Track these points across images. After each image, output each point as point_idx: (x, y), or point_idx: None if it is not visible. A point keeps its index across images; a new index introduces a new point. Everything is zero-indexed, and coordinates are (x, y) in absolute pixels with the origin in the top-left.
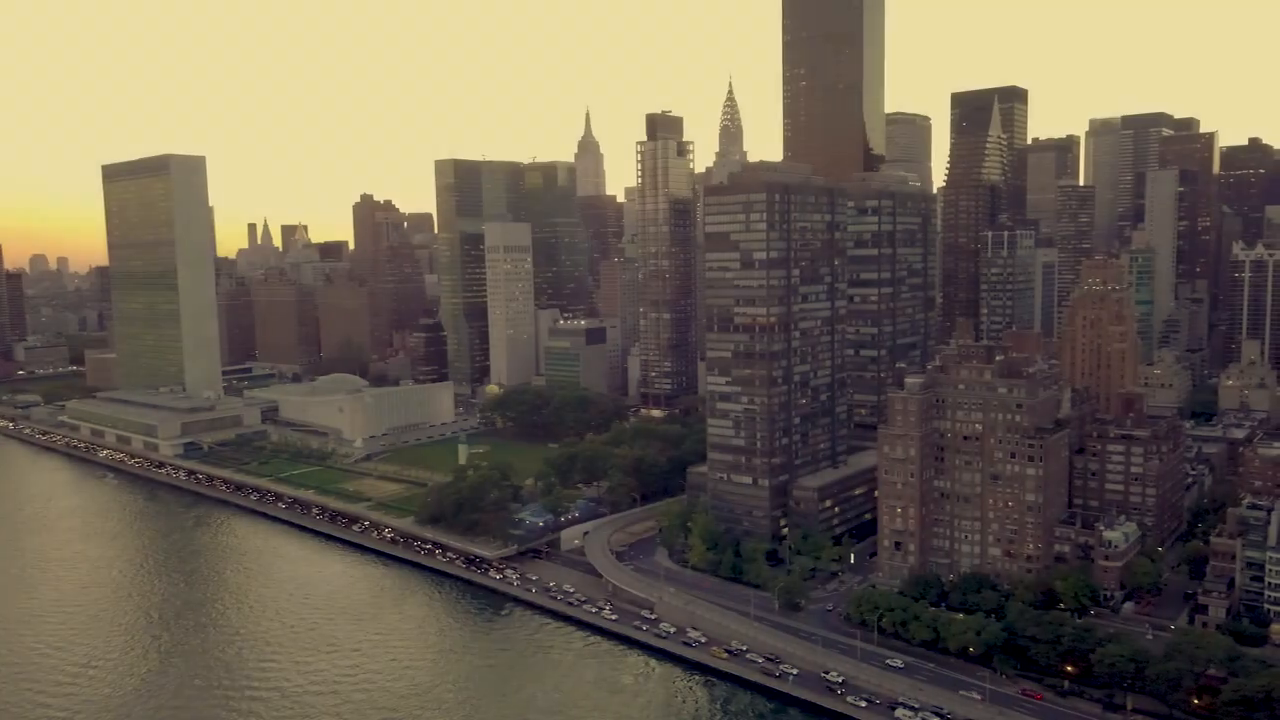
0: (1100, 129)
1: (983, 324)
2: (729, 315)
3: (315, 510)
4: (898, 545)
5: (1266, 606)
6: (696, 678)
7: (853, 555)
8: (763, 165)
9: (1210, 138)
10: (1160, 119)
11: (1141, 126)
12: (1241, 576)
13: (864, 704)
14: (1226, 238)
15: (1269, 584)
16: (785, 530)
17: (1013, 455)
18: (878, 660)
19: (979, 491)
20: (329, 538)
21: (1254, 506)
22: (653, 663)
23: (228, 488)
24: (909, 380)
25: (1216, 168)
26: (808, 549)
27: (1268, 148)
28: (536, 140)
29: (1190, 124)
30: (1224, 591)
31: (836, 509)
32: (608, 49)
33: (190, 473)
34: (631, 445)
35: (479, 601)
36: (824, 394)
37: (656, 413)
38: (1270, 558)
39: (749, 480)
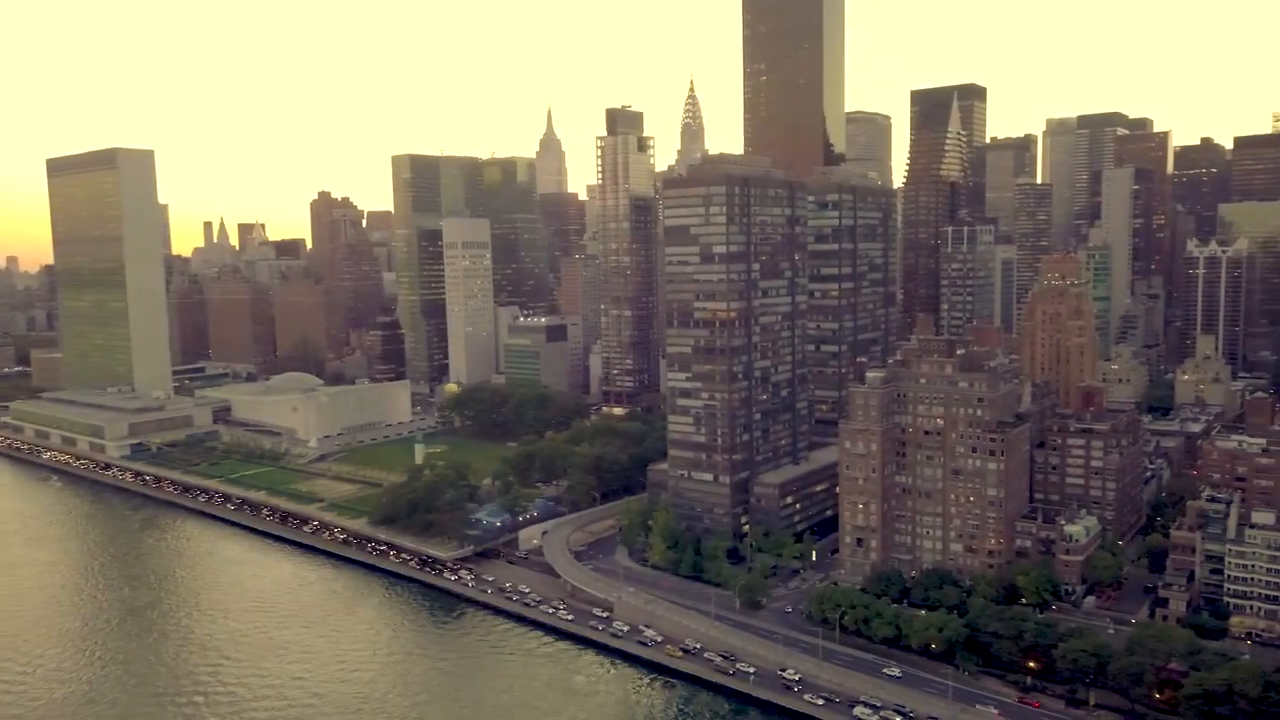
0: (1057, 128)
1: (943, 320)
2: (689, 310)
3: (265, 511)
4: (859, 542)
5: (1226, 599)
6: (656, 678)
7: (814, 552)
8: (722, 158)
9: (1164, 137)
10: (1115, 119)
11: (1097, 126)
12: (1201, 569)
13: (821, 702)
14: (1180, 235)
15: (1228, 576)
16: (746, 527)
17: (974, 450)
18: (841, 659)
19: (940, 487)
20: (280, 539)
21: (1213, 499)
22: (610, 663)
23: (176, 489)
24: (870, 375)
25: (1170, 167)
26: (769, 546)
27: (1219, 147)
28: (498, 138)
29: (1144, 124)
30: (1184, 585)
31: (798, 506)
32: (569, 46)
33: (137, 474)
34: (592, 443)
35: (433, 603)
36: (785, 390)
37: (618, 411)
38: (1230, 550)
39: (710, 477)
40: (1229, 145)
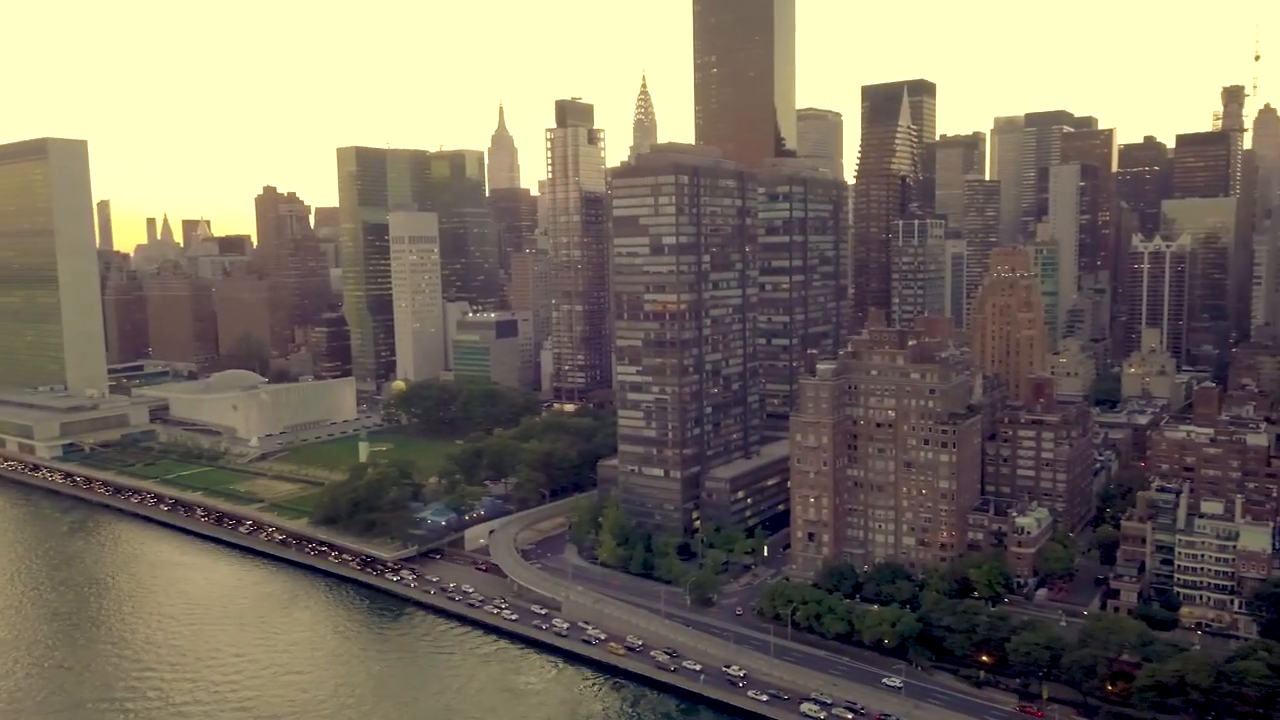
0: (1005, 126)
1: (894, 314)
2: (639, 302)
3: (200, 512)
4: (811, 536)
5: (1176, 589)
6: (603, 679)
7: (766, 547)
8: (672, 147)
9: (1109, 135)
10: (1061, 116)
11: (1044, 124)
12: (1151, 560)
13: (765, 698)
14: (1125, 232)
15: (1178, 567)
16: (698, 523)
17: (926, 442)
18: (793, 656)
19: (892, 479)
20: (216, 541)
21: (1163, 490)
22: (555, 664)
23: (108, 491)
24: (821, 366)
25: (1115, 165)
26: (720, 542)
27: (1161, 145)
28: (448, 132)
29: (1090, 122)
30: (1135, 575)
31: (749, 500)
32: (521, 40)
33: (68, 475)
34: (541, 440)
35: (374, 605)
36: (736, 383)
37: (569, 407)
38: (1179, 540)
39: (660, 472)
40: (1171, 144)
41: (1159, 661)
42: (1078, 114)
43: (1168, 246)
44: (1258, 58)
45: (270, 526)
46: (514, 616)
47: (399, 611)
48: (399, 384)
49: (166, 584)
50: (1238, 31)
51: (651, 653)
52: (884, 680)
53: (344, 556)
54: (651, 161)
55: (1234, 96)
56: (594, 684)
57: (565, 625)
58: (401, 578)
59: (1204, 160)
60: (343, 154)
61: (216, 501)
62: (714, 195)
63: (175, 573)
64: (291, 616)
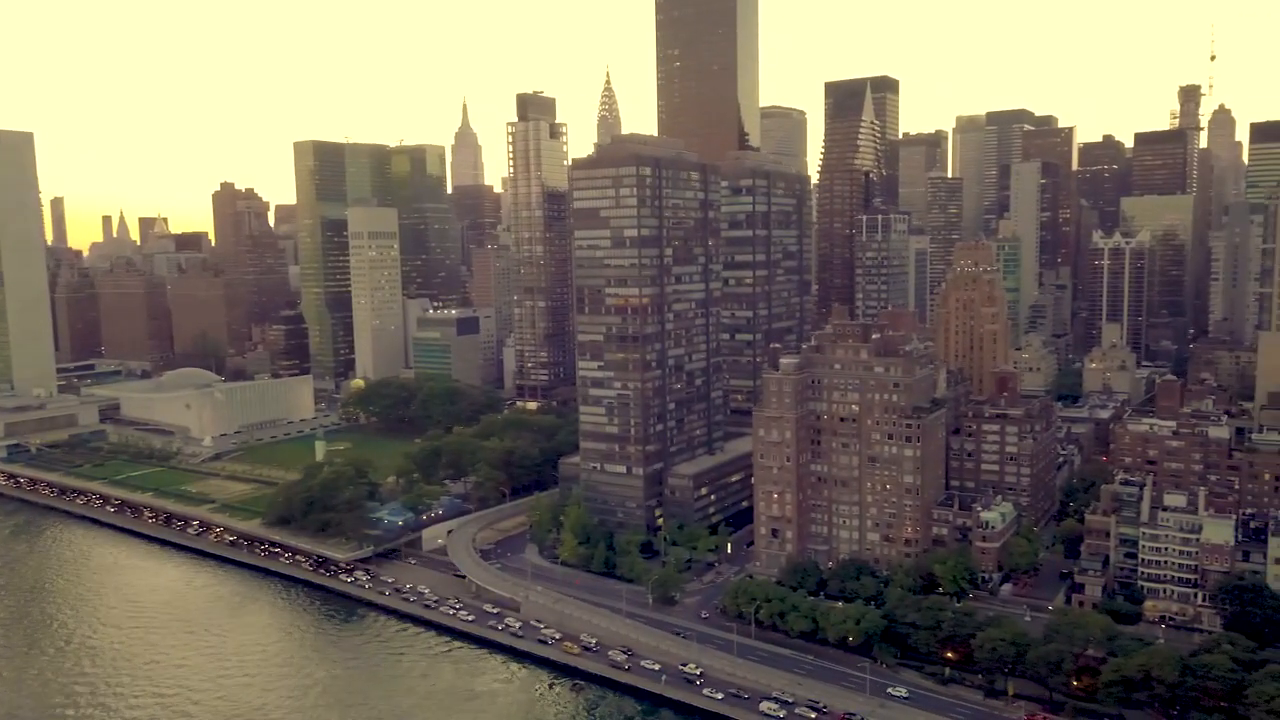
0: (966, 125)
1: (858, 309)
2: (600, 296)
3: (148, 513)
4: (775, 533)
5: (1140, 583)
6: (563, 680)
7: (730, 545)
8: (633, 138)
9: (1069, 133)
10: (1022, 115)
11: (1005, 123)
12: (1116, 553)
13: (720, 696)
14: (1085, 229)
15: (1142, 560)
16: (661, 521)
17: (890, 436)
18: (757, 655)
19: (856, 474)
20: (164, 543)
21: (1127, 483)
22: (514, 665)
23: (53, 492)
24: (784, 360)
25: (1075, 163)
26: (683, 540)
27: (1119, 144)
28: (410, 127)
29: (1050, 121)
30: (1099, 569)
31: (713, 497)
32: (485, 35)
33: (11, 477)
34: (502, 438)
35: (327, 607)
36: (699, 378)
37: (532, 405)
38: (1143, 533)
39: (623, 469)
40: (1130, 142)
41: (1124, 656)
42: (1038, 113)
43: (1127, 243)
44: (1213, 57)
45: (219, 527)
46: (470, 617)
47: (352, 613)
48: (358, 382)
49: (111, 588)
50: (1194, 32)
51: (609, 652)
52: (889, 690)
53: (296, 558)
54: (612, 152)
55: (1190, 96)
56: (553, 686)
57: (518, 625)
58: (355, 579)
59: (1162, 158)
60: (300, 148)
61: (166, 502)
62: (676, 187)
63: (121, 576)
64: (241, 620)
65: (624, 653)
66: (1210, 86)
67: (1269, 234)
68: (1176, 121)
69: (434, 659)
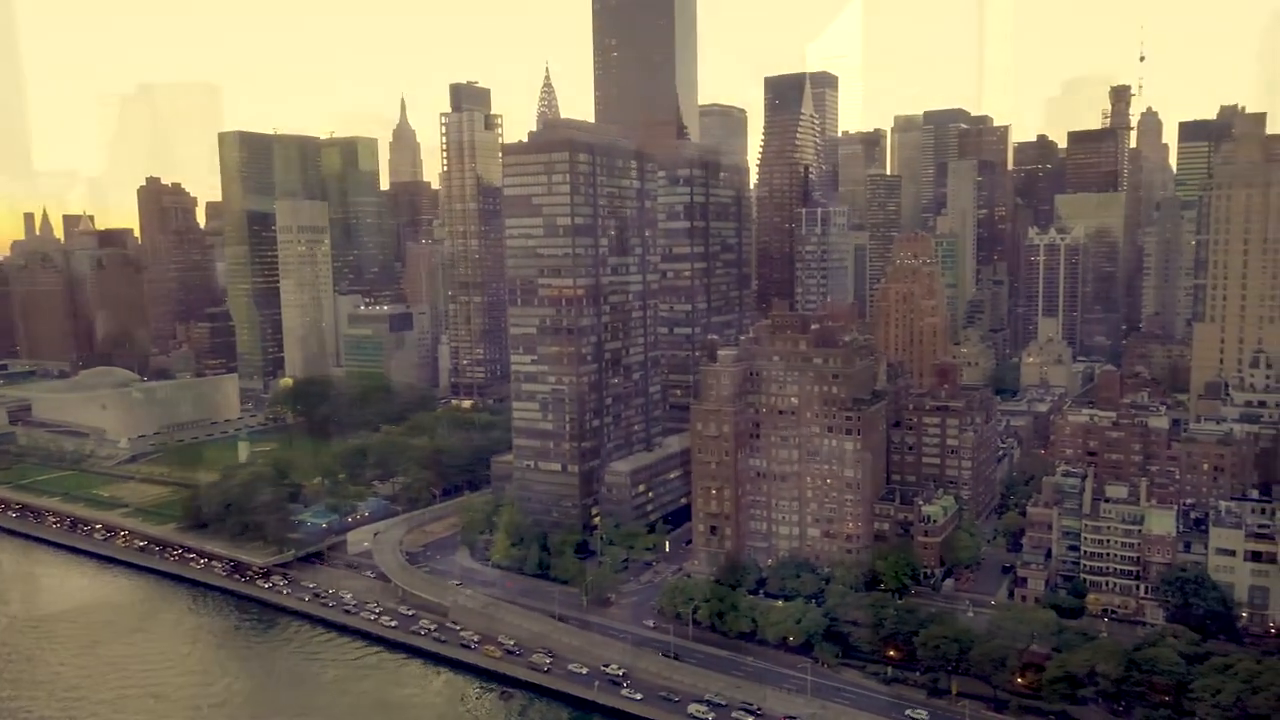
0: (904, 124)
1: (798, 304)
2: (533, 287)
3: (52, 518)
4: (713, 530)
5: (1083, 576)
6: (490, 687)
7: (668, 543)
8: (566, 123)
9: (1004, 131)
10: (958, 115)
11: (941, 122)
12: (1058, 546)
13: (639, 697)
14: (1021, 226)
15: (1084, 553)
16: (597, 519)
17: (830, 429)
18: (694, 657)
19: (796, 469)
20: (70, 549)
21: (1068, 474)
22: (436, 672)
23: None
24: (722, 353)
25: (1010, 162)
26: (620, 539)
27: (1053, 144)
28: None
29: (985, 121)
30: (1041, 563)
31: (651, 495)
32: (423, 32)
33: None
34: (432, 436)
35: (242, 614)
36: (637, 373)
37: (467, 404)
38: (1086, 525)
39: (558, 467)
40: (1063, 142)
41: (1069, 651)
42: (974, 113)
43: (1062, 239)
44: (1143, 58)
45: (123, 530)
46: (392, 623)
47: (270, 621)
48: (286, 381)
49: (6, 598)
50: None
51: (531, 656)
52: (907, 713)
53: (210, 563)
54: (546, 137)
55: (1121, 96)
56: (479, 693)
57: (434, 627)
58: (273, 584)
59: (1094, 157)
60: (225, 139)
61: (73, 507)
62: (612, 175)
63: (18, 586)
64: (148, 629)
65: (547, 655)
66: (1140, 87)
67: (1202, 225)
68: (1108, 121)
69: (353, 666)
